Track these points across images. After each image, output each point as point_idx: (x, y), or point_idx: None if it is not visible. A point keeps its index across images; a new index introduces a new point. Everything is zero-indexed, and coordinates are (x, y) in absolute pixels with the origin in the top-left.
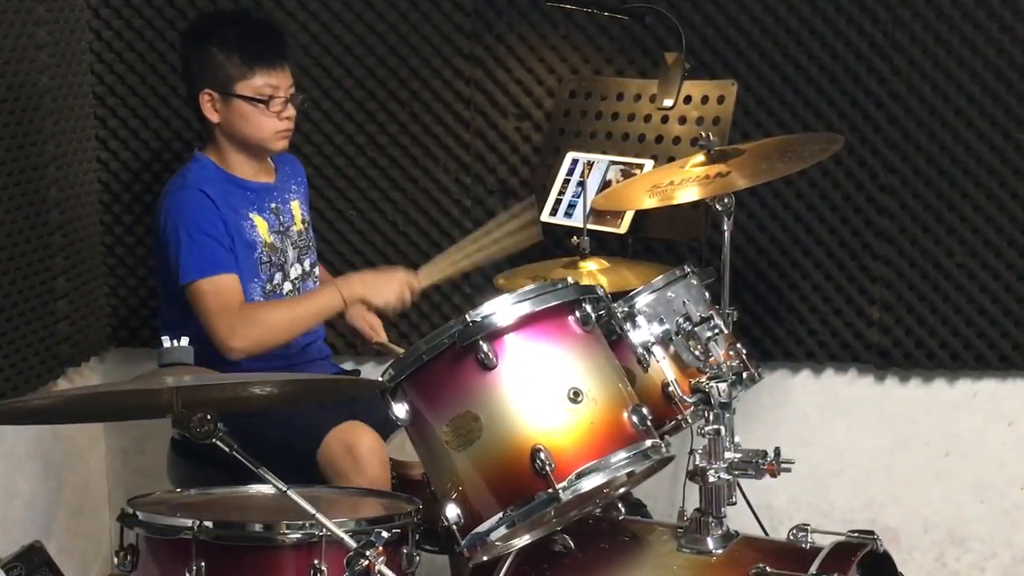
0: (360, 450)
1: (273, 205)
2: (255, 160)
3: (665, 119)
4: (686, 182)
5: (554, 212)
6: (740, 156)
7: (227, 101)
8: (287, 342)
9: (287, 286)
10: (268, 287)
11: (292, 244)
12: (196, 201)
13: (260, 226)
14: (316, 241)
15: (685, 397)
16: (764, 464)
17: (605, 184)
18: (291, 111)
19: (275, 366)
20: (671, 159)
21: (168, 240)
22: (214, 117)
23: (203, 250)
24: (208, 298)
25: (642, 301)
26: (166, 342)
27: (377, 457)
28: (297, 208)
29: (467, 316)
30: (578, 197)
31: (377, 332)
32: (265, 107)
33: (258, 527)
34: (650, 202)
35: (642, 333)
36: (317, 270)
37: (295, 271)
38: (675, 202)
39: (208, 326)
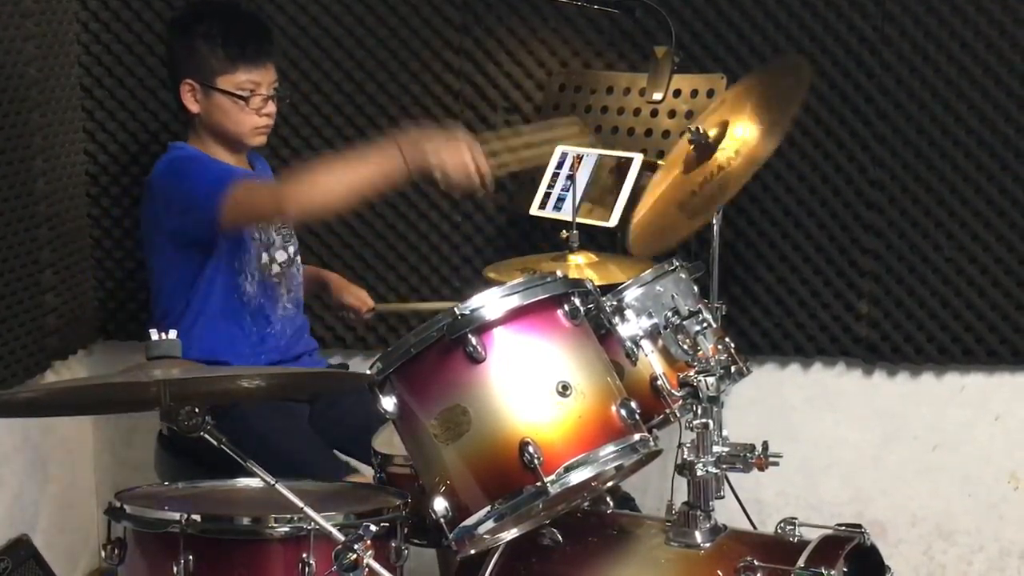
0: None
1: None
2: (233, 153)
3: (654, 113)
4: (711, 180)
5: (543, 206)
6: (728, 134)
7: (207, 93)
8: (340, 206)
9: (275, 268)
10: (260, 263)
11: (275, 230)
12: (198, 154)
13: None
14: (305, 236)
15: (673, 391)
16: (752, 458)
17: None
18: (271, 108)
19: (263, 360)
20: (660, 153)
21: (175, 185)
22: (194, 107)
23: (218, 170)
24: (252, 197)
25: (631, 295)
26: (154, 335)
27: None
28: None
29: (456, 309)
30: (567, 191)
31: (366, 301)
32: (245, 103)
33: (246, 521)
34: (695, 222)
35: (631, 327)
36: (299, 259)
37: (281, 256)
38: (721, 203)
39: (260, 211)
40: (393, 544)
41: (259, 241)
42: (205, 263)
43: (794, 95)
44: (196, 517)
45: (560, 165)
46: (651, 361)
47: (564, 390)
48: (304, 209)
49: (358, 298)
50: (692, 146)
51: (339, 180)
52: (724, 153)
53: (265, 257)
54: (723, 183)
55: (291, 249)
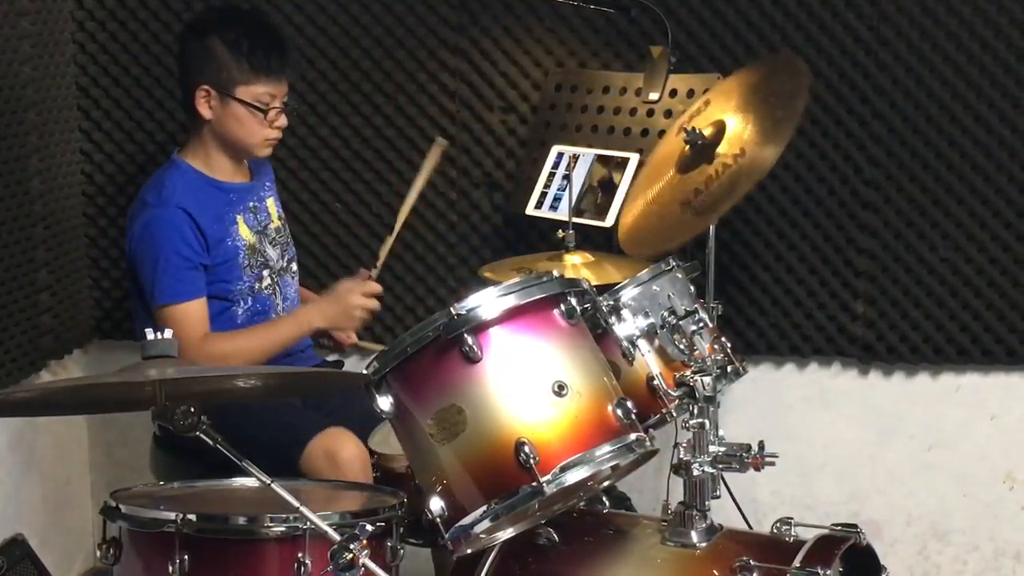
0: (342, 457)
1: (252, 204)
2: (235, 161)
3: (651, 112)
4: (718, 177)
5: (539, 205)
6: (726, 133)
7: (224, 101)
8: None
9: (266, 282)
10: (257, 286)
11: (271, 242)
12: (172, 220)
13: (243, 229)
14: (301, 235)
15: (670, 390)
16: (748, 458)
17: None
18: (283, 120)
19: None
20: None
21: (142, 256)
22: (207, 114)
23: (174, 274)
24: (173, 327)
25: (627, 294)
26: (149, 334)
27: (359, 463)
28: (272, 205)
29: (452, 309)
30: (563, 191)
31: (350, 336)
32: (263, 116)
33: (242, 520)
34: (705, 221)
35: (627, 326)
36: (295, 266)
37: (276, 265)
38: (735, 200)
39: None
40: (389, 543)
41: (250, 267)
42: None
43: (795, 92)
44: (192, 517)
45: (556, 165)
46: (647, 361)
47: (560, 390)
48: (212, 362)
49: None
50: (688, 146)
51: (247, 352)
52: (728, 150)
53: (265, 274)
54: (733, 180)
55: (285, 258)
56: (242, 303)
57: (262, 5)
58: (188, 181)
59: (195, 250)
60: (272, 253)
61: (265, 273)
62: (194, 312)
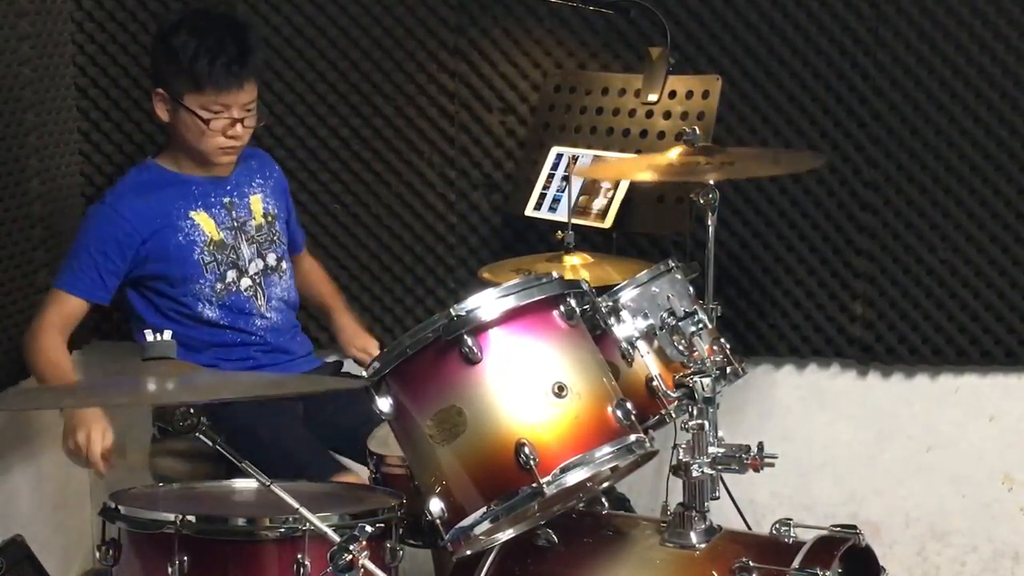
0: None
1: (226, 200)
2: (203, 165)
3: (650, 114)
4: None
5: (538, 207)
6: (720, 153)
7: (174, 107)
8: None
9: (245, 282)
10: (220, 286)
11: (249, 240)
12: (104, 221)
13: (204, 223)
14: (300, 235)
15: (669, 392)
16: (747, 459)
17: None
18: (238, 130)
19: (252, 365)
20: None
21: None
22: (164, 116)
23: (77, 266)
24: (50, 307)
25: (626, 296)
26: (149, 335)
27: None
28: (258, 203)
29: (451, 310)
30: (562, 192)
31: (371, 352)
32: (206, 125)
33: (241, 521)
34: (644, 175)
35: (626, 328)
36: (285, 264)
37: (254, 267)
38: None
39: (32, 324)
40: (388, 545)
41: (216, 264)
42: (151, 301)
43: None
44: (191, 518)
45: (555, 166)
46: (647, 362)
47: (560, 391)
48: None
49: (364, 350)
50: (685, 145)
51: (38, 377)
52: (720, 159)
53: (231, 275)
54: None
55: (271, 257)
56: (208, 305)
57: (260, 5)
58: (144, 179)
59: (109, 258)
60: (248, 252)
61: (231, 273)
62: (66, 306)
